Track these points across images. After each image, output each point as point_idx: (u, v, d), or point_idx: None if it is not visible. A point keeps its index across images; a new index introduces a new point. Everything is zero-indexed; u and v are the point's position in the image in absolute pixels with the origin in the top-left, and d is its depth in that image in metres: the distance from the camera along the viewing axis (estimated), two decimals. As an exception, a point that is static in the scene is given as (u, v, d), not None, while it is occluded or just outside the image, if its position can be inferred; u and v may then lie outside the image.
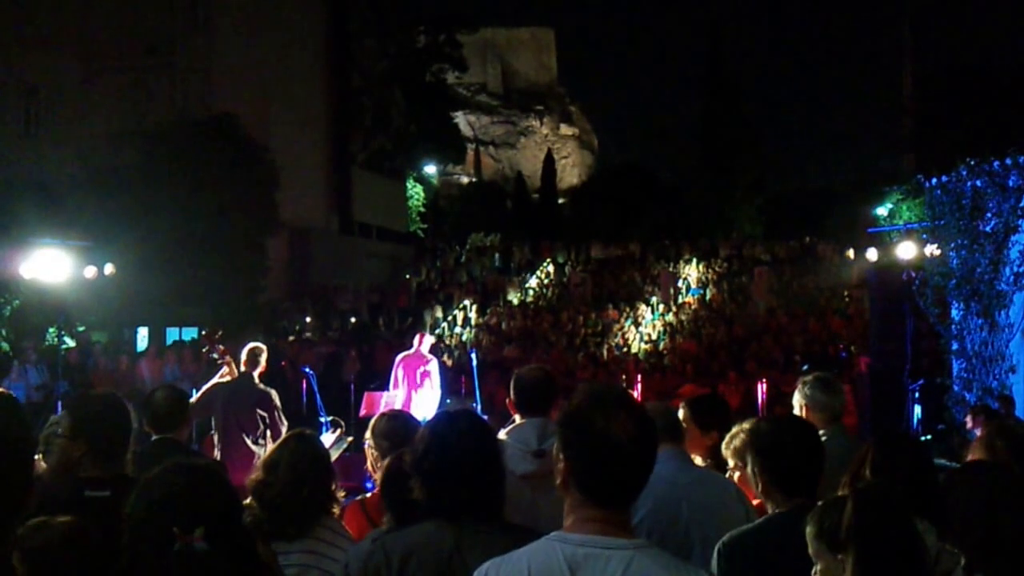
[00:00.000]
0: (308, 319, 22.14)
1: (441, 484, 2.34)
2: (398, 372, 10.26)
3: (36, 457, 3.86)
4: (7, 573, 1.80)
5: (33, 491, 2.66)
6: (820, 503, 2.32)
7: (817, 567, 2.20)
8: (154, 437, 4.09)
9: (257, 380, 6.91)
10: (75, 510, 2.82)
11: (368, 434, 3.53)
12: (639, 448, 1.91)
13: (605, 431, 1.90)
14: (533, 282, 29.23)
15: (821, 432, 3.31)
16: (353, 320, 22.74)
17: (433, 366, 10.37)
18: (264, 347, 7.16)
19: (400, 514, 2.63)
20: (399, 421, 3.55)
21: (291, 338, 19.74)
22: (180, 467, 2.08)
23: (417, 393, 10.05)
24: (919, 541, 2.15)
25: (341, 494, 3.27)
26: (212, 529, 2.00)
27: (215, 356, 7.18)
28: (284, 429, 6.43)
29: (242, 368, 6.93)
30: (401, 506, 2.65)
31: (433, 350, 11.23)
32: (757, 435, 2.85)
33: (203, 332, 7.98)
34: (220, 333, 7.51)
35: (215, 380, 6.97)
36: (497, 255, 31.78)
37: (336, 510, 3.21)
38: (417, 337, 10.77)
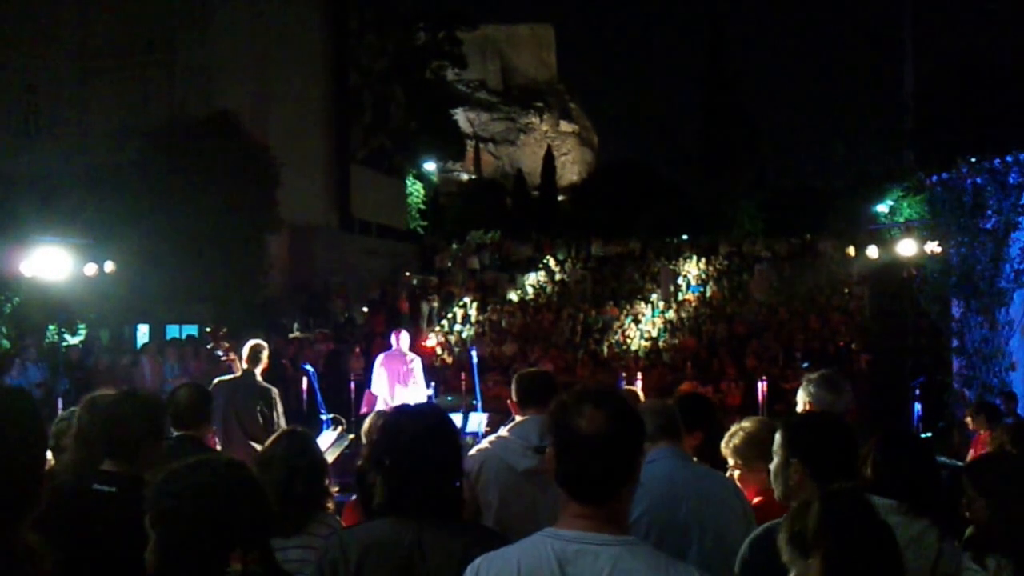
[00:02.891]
0: (308, 318, 22.16)
1: (400, 480, 2.33)
2: (380, 372, 10.12)
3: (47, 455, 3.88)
4: (18, 566, 1.80)
5: (44, 487, 2.66)
6: (791, 508, 2.32)
7: (792, 574, 2.20)
8: (175, 434, 4.12)
9: (259, 377, 6.92)
10: (80, 502, 2.85)
11: (363, 432, 3.56)
12: (607, 443, 1.93)
13: (575, 425, 1.93)
14: (533, 279, 29.24)
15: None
16: (345, 317, 22.74)
17: (416, 364, 10.21)
18: (265, 344, 7.17)
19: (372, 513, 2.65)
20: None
21: (291, 335, 19.76)
22: (214, 480, 2.05)
23: (406, 391, 9.95)
24: (888, 542, 2.14)
25: (335, 489, 3.29)
26: (250, 550, 1.99)
27: (219, 353, 7.19)
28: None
29: (244, 365, 6.95)
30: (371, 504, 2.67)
31: (413, 347, 11.04)
32: (796, 429, 2.80)
33: (207, 329, 8.00)
34: (224, 330, 7.52)
35: (218, 381, 6.99)
36: (497, 253, 31.80)
37: (331, 505, 3.22)
38: (394, 335, 10.52)
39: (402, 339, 10.39)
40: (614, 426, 1.94)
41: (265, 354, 7.05)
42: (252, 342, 7.13)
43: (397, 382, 10.01)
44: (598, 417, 1.93)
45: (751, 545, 2.64)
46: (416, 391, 10.07)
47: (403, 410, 2.56)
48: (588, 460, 1.93)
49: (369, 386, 10.60)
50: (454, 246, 33.23)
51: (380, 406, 9.27)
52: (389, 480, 2.34)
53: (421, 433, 2.38)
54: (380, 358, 10.34)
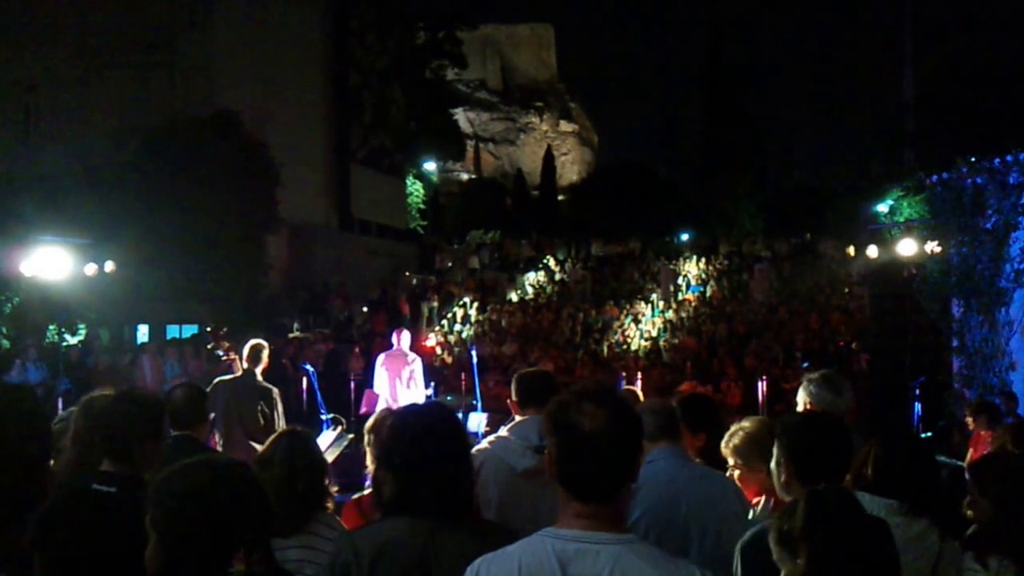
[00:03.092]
0: (308, 318, 22.16)
1: (411, 480, 2.32)
2: (381, 372, 10.09)
3: None
4: (25, 560, 1.80)
5: (51, 483, 2.66)
6: (779, 512, 2.32)
7: (783, 573, 2.21)
8: (173, 434, 4.13)
9: (260, 377, 6.91)
10: (79, 501, 2.84)
11: (366, 430, 3.56)
12: (609, 440, 1.93)
13: (576, 423, 1.94)
14: (533, 279, 29.24)
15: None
16: (345, 317, 22.74)
17: (417, 365, 10.17)
18: (266, 344, 7.15)
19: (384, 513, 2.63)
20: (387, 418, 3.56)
21: (291, 335, 19.75)
22: (215, 480, 2.03)
23: (407, 391, 9.94)
24: (876, 541, 2.15)
25: (335, 489, 3.28)
26: (251, 549, 1.98)
27: (220, 353, 7.17)
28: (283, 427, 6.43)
29: (244, 365, 6.94)
30: None
31: (412, 347, 11.02)
32: (787, 428, 2.83)
33: (208, 329, 7.98)
34: (225, 330, 7.50)
35: (220, 379, 6.98)
36: (496, 253, 31.81)
37: (330, 505, 3.22)
38: (395, 335, 10.49)
39: (403, 339, 10.34)
40: (615, 423, 1.95)
41: (266, 354, 7.04)
42: (253, 342, 7.12)
43: (398, 382, 9.98)
44: (599, 415, 1.94)
45: (741, 552, 2.65)
46: (417, 391, 10.05)
47: (412, 409, 2.55)
48: (590, 458, 1.93)
49: (370, 386, 10.58)
50: (456, 246, 33.23)
51: (382, 405, 9.26)
52: (400, 480, 2.33)
53: (430, 432, 2.37)
54: (381, 358, 10.30)
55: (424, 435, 2.36)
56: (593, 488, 1.95)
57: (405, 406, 2.65)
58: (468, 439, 2.52)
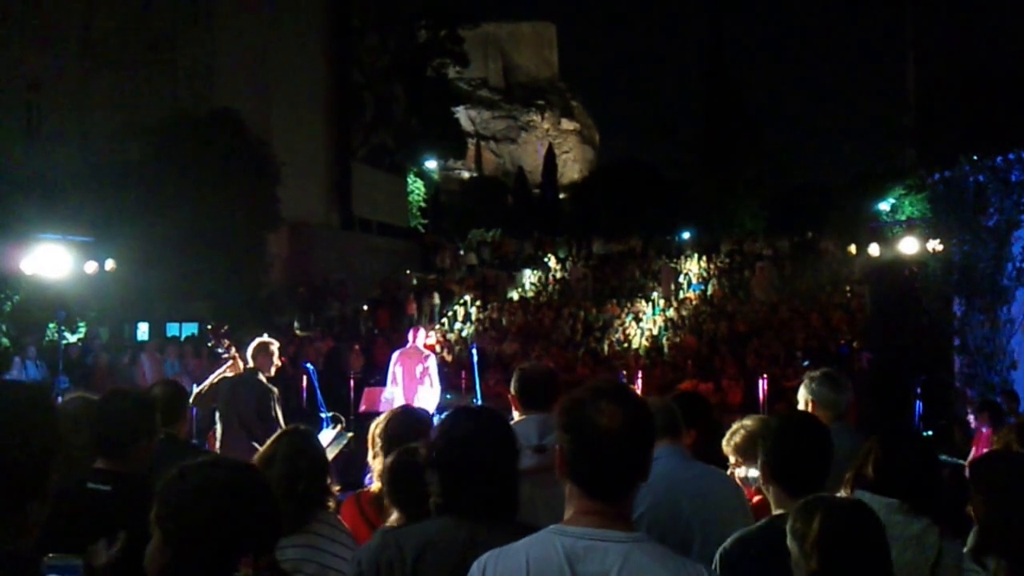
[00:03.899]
0: (309, 316, 22.16)
1: (459, 481, 2.32)
2: (396, 369, 10.04)
3: None
4: (25, 566, 1.79)
5: (49, 484, 2.64)
6: (799, 505, 2.33)
7: (792, 560, 2.27)
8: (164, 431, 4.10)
9: (261, 376, 6.86)
10: (74, 500, 2.83)
11: (374, 431, 3.53)
12: (625, 438, 1.92)
13: (592, 419, 1.92)
14: (533, 277, 29.22)
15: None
16: (345, 314, 22.72)
17: (432, 362, 10.13)
18: (272, 342, 7.06)
19: (410, 511, 2.62)
20: (402, 418, 3.54)
21: (297, 333, 19.76)
22: (227, 480, 2.00)
23: (418, 390, 9.91)
24: (884, 558, 2.18)
25: (336, 488, 3.27)
26: (260, 554, 1.96)
27: (220, 351, 7.12)
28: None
29: (250, 363, 6.87)
30: (410, 502, 2.63)
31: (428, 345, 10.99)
32: (768, 429, 2.85)
33: (208, 327, 7.91)
34: (226, 327, 7.44)
35: (219, 373, 6.94)
36: (497, 251, 31.79)
37: (332, 504, 3.21)
38: (411, 332, 10.50)
39: (419, 336, 10.34)
40: (632, 421, 1.93)
41: (274, 349, 6.95)
42: (258, 340, 7.06)
43: (413, 379, 9.90)
44: (616, 413, 1.92)
45: (722, 557, 2.64)
46: (432, 389, 9.98)
47: (463, 412, 2.55)
48: (606, 456, 1.92)
49: (381, 383, 10.53)
50: (459, 245, 33.21)
51: (398, 402, 9.20)
52: (447, 481, 2.34)
53: (480, 435, 2.37)
54: (396, 355, 10.24)
55: (474, 438, 2.36)
56: (606, 486, 1.94)
57: (456, 408, 2.64)
58: (517, 442, 2.50)
